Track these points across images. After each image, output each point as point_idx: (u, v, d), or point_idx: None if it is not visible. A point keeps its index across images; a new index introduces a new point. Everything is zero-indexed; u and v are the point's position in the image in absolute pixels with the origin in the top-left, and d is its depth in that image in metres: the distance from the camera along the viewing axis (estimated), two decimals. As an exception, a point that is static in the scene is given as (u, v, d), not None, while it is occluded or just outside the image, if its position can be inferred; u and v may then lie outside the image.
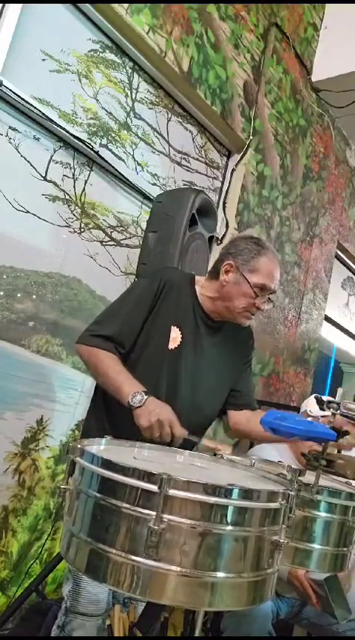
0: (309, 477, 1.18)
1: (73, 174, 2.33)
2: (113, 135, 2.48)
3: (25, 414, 2.19)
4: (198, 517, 0.83)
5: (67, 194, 2.30)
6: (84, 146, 2.30)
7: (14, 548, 2.18)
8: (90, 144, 2.33)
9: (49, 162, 2.22)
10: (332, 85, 3.66)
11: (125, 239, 2.58)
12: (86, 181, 2.38)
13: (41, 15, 2.15)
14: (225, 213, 3.11)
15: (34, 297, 2.21)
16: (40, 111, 2.10)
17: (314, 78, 3.72)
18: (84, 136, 2.32)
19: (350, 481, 1.39)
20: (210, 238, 2.41)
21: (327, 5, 3.82)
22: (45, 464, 2.27)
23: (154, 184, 2.70)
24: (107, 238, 2.49)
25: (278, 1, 3.34)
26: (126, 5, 2.32)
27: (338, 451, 1.39)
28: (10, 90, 2.00)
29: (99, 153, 2.38)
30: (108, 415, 1.62)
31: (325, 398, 1.32)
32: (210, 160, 3.08)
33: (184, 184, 2.87)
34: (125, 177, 2.50)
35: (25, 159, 2.14)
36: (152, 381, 1.54)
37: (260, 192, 3.33)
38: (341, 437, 1.31)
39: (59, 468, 2.31)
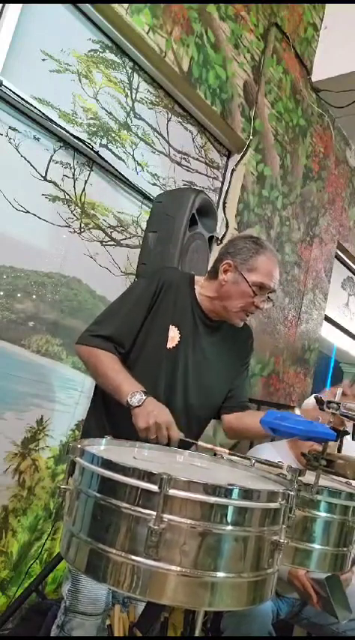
0: (309, 477, 1.18)
1: (73, 174, 2.33)
2: (113, 135, 2.48)
3: (25, 414, 2.19)
4: (198, 517, 0.83)
5: (67, 194, 2.30)
6: (84, 146, 2.30)
7: (14, 548, 2.18)
8: (90, 144, 2.33)
9: (49, 162, 2.22)
10: (332, 85, 3.66)
11: (125, 239, 2.58)
12: (86, 181, 2.38)
13: (41, 15, 2.15)
14: (225, 213, 3.11)
15: (34, 297, 2.21)
16: (40, 111, 2.10)
17: (314, 78, 3.72)
18: (84, 136, 2.33)
19: (350, 481, 1.39)
20: (210, 238, 2.41)
21: (327, 5, 3.82)
22: (45, 464, 2.27)
23: (154, 184, 2.70)
24: (107, 238, 2.49)
25: (278, 1, 3.34)
26: (126, 5, 2.32)
27: (339, 450, 1.39)
28: (10, 90, 2.00)
29: (99, 153, 2.38)
30: (107, 415, 1.62)
31: (325, 398, 1.32)
32: (210, 160, 3.08)
33: (184, 184, 2.87)
34: (125, 177, 2.50)
35: (25, 159, 2.14)
36: (150, 380, 1.54)
37: (260, 192, 3.33)
38: (341, 437, 1.31)
39: (59, 468, 2.31)
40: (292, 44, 3.49)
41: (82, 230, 2.37)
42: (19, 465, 2.17)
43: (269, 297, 1.64)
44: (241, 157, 3.16)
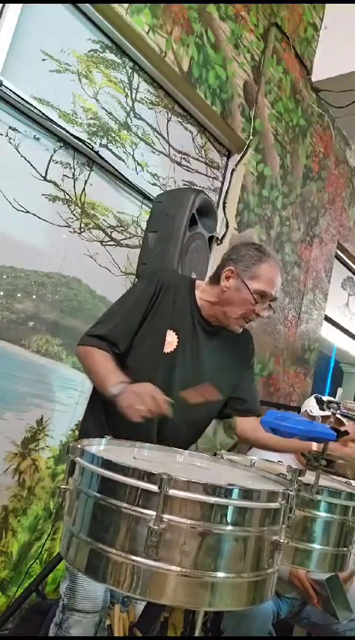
0: (309, 477, 1.18)
1: (73, 174, 2.33)
2: (113, 135, 2.48)
3: (25, 414, 2.19)
4: (198, 517, 0.83)
5: (67, 194, 2.30)
6: (84, 146, 2.30)
7: (14, 548, 2.18)
8: (90, 144, 2.33)
9: (49, 162, 2.22)
10: (332, 85, 3.66)
11: (125, 239, 2.58)
12: (86, 181, 2.38)
13: (41, 15, 2.15)
14: (225, 213, 3.11)
15: (34, 297, 2.21)
16: (40, 111, 2.10)
17: (314, 78, 3.72)
18: (84, 136, 2.32)
19: (350, 481, 1.39)
20: (210, 238, 2.41)
21: (327, 5, 3.82)
22: (45, 464, 2.27)
23: (154, 184, 2.70)
24: (107, 238, 2.49)
25: (278, 1, 3.34)
26: (126, 5, 2.32)
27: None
28: (10, 90, 2.00)
29: (99, 153, 2.38)
30: (106, 415, 1.62)
31: (325, 398, 1.32)
32: (210, 160, 3.08)
33: (184, 184, 2.87)
34: (125, 177, 2.50)
35: (25, 159, 2.14)
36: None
37: (260, 192, 3.33)
38: (341, 437, 1.31)
39: (59, 468, 2.31)
40: (292, 44, 3.49)
41: (82, 230, 2.37)
42: (19, 465, 2.17)
43: (270, 305, 1.63)
44: (241, 157, 3.16)
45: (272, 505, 0.91)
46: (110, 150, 2.47)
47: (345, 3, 3.62)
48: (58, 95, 2.23)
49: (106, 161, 2.42)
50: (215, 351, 1.70)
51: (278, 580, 0.97)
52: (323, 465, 1.21)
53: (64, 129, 2.21)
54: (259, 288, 1.58)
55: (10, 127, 2.07)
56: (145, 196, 2.61)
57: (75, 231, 2.34)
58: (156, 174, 2.72)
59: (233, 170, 3.16)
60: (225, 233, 3.06)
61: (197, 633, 1.34)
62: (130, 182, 2.53)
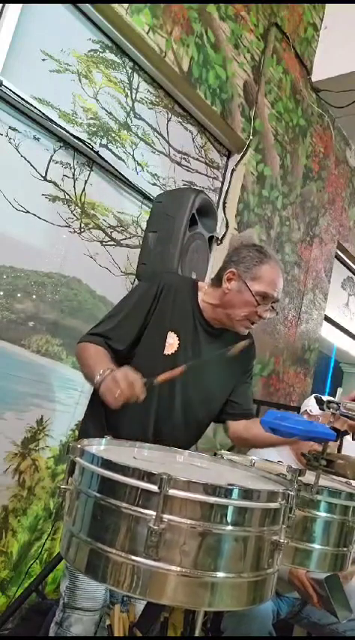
0: (309, 477, 1.18)
1: (73, 174, 2.33)
2: (113, 135, 2.48)
3: (25, 414, 2.19)
4: (198, 517, 0.83)
5: (67, 194, 2.30)
6: (84, 146, 2.30)
7: (14, 548, 2.18)
8: (90, 144, 2.33)
9: (49, 162, 2.22)
10: (332, 85, 3.66)
11: (125, 239, 2.58)
12: (86, 181, 2.38)
13: (41, 15, 2.15)
14: (225, 213, 3.11)
15: (34, 297, 2.21)
16: (40, 111, 2.10)
17: (314, 78, 3.73)
18: (84, 136, 2.32)
19: (350, 481, 1.39)
20: (210, 238, 2.41)
21: (327, 5, 3.82)
22: (45, 464, 2.27)
23: (154, 184, 2.70)
24: (107, 238, 2.49)
25: (278, 1, 3.34)
26: (126, 5, 2.32)
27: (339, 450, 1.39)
28: (10, 90, 2.00)
29: (99, 153, 2.38)
30: (106, 416, 1.62)
31: (325, 398, 1.32)
32: (210, 160, 3.08)
33: (184, 184, 2.87)
34: (125, 177, 2.50)
35: (25, 159, 2.14)
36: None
37: (260, 192, 3.33)
38: (341, 437, 1.31)
39: (59, 468, 2.31)
40: (292, 44, 3.49)
41: (82, 230, 2.37)
42: (19, 465, 2.17)
43: (273, 307, 1.63)
44: (241, 157, 3.16)
45: (272, 505, 0.91)
46: (110, 150, 2.47)
47: (345, 3, 3.62)
48: (58, 95, 2.23)
49: (106, 161, 2.42)
50: (216, 353, 1.70)
51: (278, 579, 0.97)
52: (323, 465, 1.21)
53: (64, 129, 2.21)
54: (260, 289, 1.57)
55: (10, 127, 2.07)
56: (145, 196, 2.61)
57: (75, 231, 2.34)
58: (156, 174, 2.72)
59: (233, 170, 3.16)
60: (225, 233, 3.06)
61: (197, 633, 1.34)
62: (130, 182, 2.53)
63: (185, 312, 1.65)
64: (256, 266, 1.59)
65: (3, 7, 1.97)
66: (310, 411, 2.19)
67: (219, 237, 2.98)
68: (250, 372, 1.83)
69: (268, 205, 3.41)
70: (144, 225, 2.45)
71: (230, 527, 0.85)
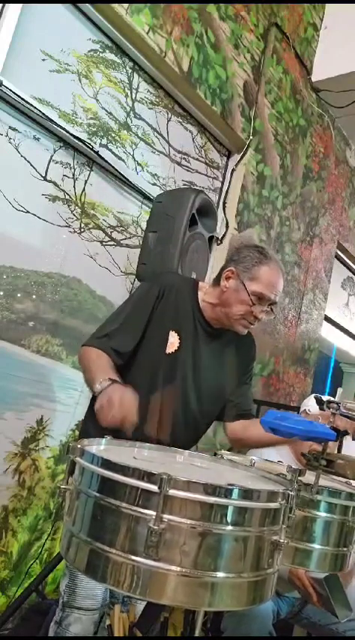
0: (309, 477, 1.18)
1: (73, 174, 2.33)
2: (113, 135, 2.48)
3: (25, 414, 2.19)
4: (198, 517, 0.83)
5: (67, 194, 2.30)
6: (84, 146, 2.30)
7: (14, 548, 2.18)
8: (90, 144, 2.33)
9: (49, 162, 2.22)
10: (332, 85, 3.66)
11: (125, 239, 2.58)
12: (86, 181, 2.38)
13: (41, 15, 2.15)
14: (225, 213, 3.11)
15: (34, 297, 2.21)
16: (40, 111, 2.10)
17: (314, 78, 3.72)
18: (84, 136, 2.32)
19: (350, 481, 1.39)
20: (210, 238, 2.41)
21: (327, 5, 3.82)
22: (45, 464, 2.27)
23: (154, 184, 2.70)
24: (107, 238, 2.49)
25: (278, 1, 3.34)
26: (126, 5, 2.32)
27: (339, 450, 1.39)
28: (10, 90, 2.00)
29: (99, 153, 2.38)
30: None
31: (325, 398, 1.32)
32: (210, 160, 3.08)
33: (184, 184, 2.87)
34: (125, 177, 2.50)
35: (25, 159, 2.14)
36: (147, 385, 1.55)
37: (260, 192, 3.33)
38: (341, 437, 1.31)
39: (59, 468, 2.31)
40: (292, 44, 3.49)
41: (82, 230, 2.37)
42: (19, 465, 2.17)
43: (271, 309, 1.63)
44: (241, 157, 3.16)
45: (272, 505, 0.91)
46: (110, 150, 2.47)
47: (345, 3, 3.62)
48: (58, 95, 2.23)
49: (106, 161, 2.42)
50: (215, 353, 1.70)
51: (278, 579, 0.97)
52: (323, 465, 1.21)
53: (64, 129, 2.21)
54: (257, 290, 1.57)
55: (10, 127, 2.07)
56: (145, 196, 2.61)
57: (75, 231, 2.34)
58: (156, 174, 2.72)
59: (233, 170, 3.16)
60: (225, 233, 3.06)
61: (197, 633, 1.34)
62: (130, 182, 2.53)
63: (185, 311, 1.65)
64: (255, 266, 1.59)
65: (3, 7, 1.97)
66: (308, 410, 2.19)
67: (219, 237, 2.98)
68: (250, 373, 1.83)
69: (268, 205, 3.41)
70: (144, 225, 2.45)
71: (230, 527, 0.85)
